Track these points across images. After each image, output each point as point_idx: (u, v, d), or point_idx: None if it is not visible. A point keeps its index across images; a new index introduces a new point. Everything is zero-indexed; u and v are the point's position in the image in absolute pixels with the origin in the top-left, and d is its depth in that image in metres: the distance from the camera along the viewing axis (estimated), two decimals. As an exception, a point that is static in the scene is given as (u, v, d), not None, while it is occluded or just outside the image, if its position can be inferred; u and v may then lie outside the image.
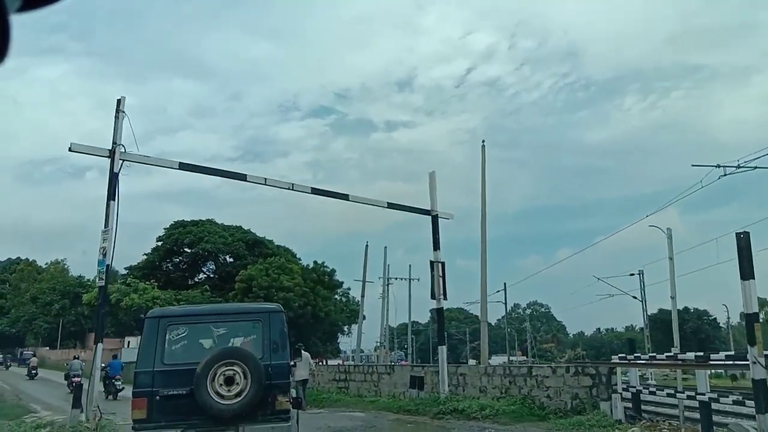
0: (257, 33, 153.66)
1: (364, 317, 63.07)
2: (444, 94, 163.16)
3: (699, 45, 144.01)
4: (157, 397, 7.18)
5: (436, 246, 17.65)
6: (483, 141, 25.83)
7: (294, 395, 8.89)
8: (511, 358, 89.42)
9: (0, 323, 66.65)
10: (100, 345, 12.23)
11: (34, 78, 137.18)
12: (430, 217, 17.83)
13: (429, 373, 18.27)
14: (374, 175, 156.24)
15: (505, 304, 55.36)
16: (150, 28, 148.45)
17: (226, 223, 61.12)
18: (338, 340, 70.29)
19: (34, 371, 37.50)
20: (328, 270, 58.34)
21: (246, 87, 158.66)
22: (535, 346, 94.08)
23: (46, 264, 71.44)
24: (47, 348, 59.11)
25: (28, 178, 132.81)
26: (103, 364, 25.48)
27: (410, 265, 48.97)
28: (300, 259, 60.95)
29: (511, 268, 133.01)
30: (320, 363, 51.06)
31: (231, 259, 59.48)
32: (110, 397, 22.51)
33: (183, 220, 60.28)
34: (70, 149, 12.55)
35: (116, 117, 13.10)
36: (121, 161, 13.06)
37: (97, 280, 12.43)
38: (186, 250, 59.01)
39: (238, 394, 7.12)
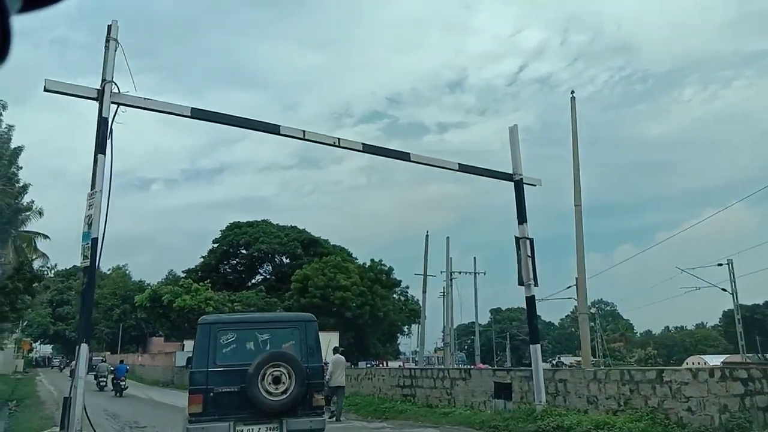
0: (309, 43, 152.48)
1: (425, 317, 59.09)
2: (496, 93, 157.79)
3: (760, 30, 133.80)
4: (211, 394, 7.79)
5: (522, 218, 13.62)
6: (572, 92, 21.93)
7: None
8: (577, 359, 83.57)
9: (66, 329, 66.01)
10: (84, 346, 8.82)
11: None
12: (512, 183, 13.82)
13: (517, 379, 14.21)
14: (426, 178, 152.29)
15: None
16: (207, 43, 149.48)
17: (281, 224, 58.34)
18: (398, 341, 66.19)
19: None
20: (386, 268, 54.45)
21: (300, 96, 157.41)
22: (603, 346, 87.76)
23: (108, 270, 70.46)
24: (108, 353, 57.67)
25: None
26: (111, 367, 30.05)
27: (474, 258, 43.99)
28: (356, 259, 57.46)
29: (569, 267, 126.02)
30: (380, 365, 47.33)
31: (287, 260, 56.58)
32: (117, 394, 26.57)
33: (238, 222, 57.82)
34: (45, 89, 9.21)
35: (106, 48, 9.68)
36: (116, 106, 9.66)
37: (81, 259, 9.06)
38: (242, 251, 56.46)
39: (284, 392, 7.82)
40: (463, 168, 13.37)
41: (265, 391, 7.72)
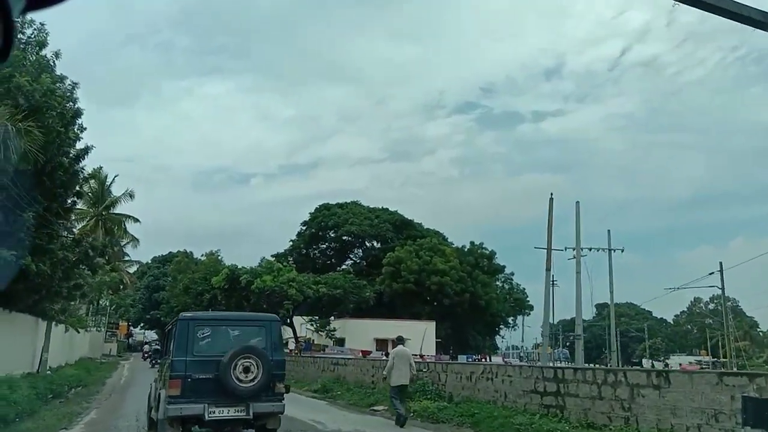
0: (400, 36, 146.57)
1: (531, 307, 51.64)
2: (596, 79, 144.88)
3: None
4: (189, 380, 8.58)
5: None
6: None
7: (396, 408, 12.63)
8: (696, 359, 73.01)
9: (159, 314, 64.38)
10: None
11: (202, 96, 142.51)
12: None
13: (776, 393, 7.60)
14: (521, 168, 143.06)
15: (723, 289, 41.02)
16: (301, 40, 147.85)
17: (371, 206, 53.18)
18: (501, 335, 58.85)
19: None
20: (487, 252, 47.73)
21: (392, 89, 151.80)
22: (726, 346, 76.40)
23: (202, 255, 68.28)
24: (198, 338, 55.05)
25: (202, 185, 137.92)
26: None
27: (609, 230, 35.37)
28: (452, 243, 51.12)
29: (677, 262, 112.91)
30: (482, 360, 40.86)
31: (378, 244, 51.34)
32: (154, 366, 29.64)
33: (328, 203, 53.31)
34: None
35: None
36: None
37: None
38: (331, 234, 51.77)
39: (252, 380, 8.66)
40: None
41: (237, 378, 8.58)
